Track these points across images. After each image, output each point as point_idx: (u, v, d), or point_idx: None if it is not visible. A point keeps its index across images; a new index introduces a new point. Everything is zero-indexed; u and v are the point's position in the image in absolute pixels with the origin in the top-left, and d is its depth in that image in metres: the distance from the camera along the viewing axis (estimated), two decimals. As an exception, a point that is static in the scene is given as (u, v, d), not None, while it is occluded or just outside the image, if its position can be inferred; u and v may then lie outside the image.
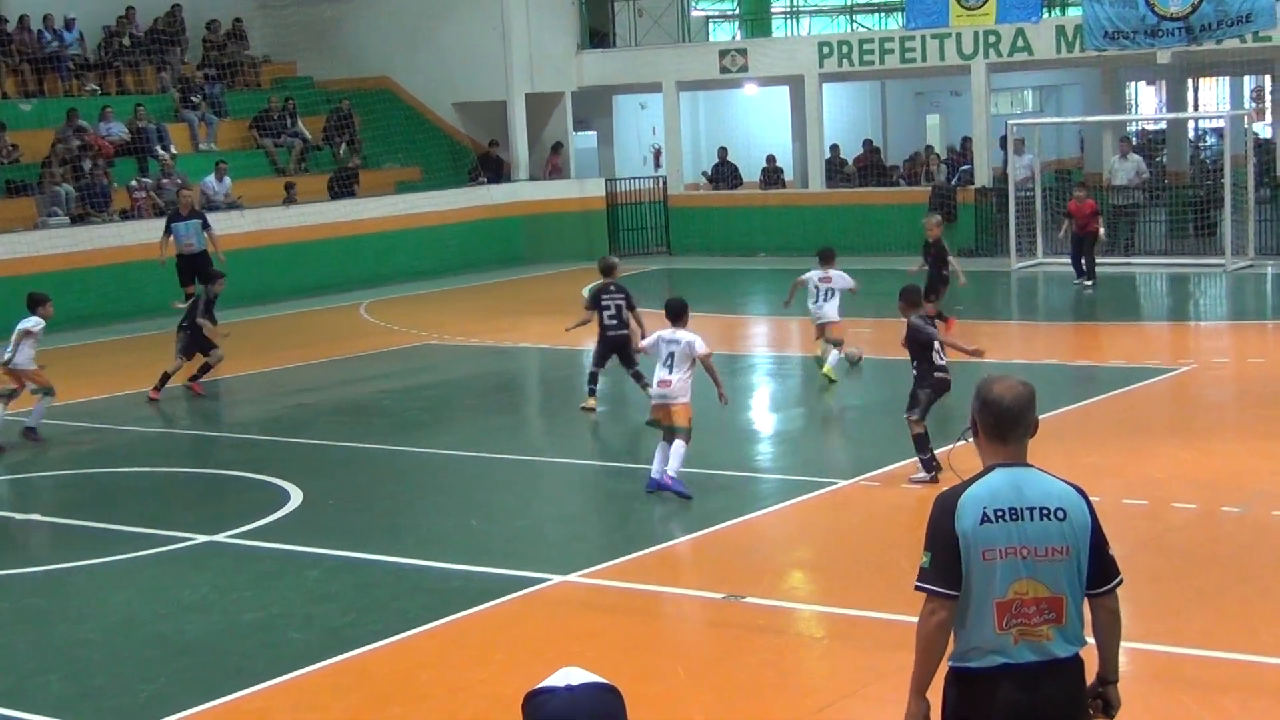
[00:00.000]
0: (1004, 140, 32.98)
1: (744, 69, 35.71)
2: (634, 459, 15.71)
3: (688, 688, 9.23)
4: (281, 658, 10.08)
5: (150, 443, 17.81)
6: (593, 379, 18.14)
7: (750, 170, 37.96)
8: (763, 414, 18.48)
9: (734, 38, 40.28)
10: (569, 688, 3.70)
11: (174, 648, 10.47)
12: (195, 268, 25.24)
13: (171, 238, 26.16)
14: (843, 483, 14.10)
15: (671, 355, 13.76)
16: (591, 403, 17.96)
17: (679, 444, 13.63)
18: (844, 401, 18.69)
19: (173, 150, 31.53)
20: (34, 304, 17.88)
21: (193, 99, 33.69)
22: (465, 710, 9.13)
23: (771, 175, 37.12)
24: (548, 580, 11.49)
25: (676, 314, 14.13)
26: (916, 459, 13.83)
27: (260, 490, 14.79)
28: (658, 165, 40.03)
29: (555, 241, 35.37)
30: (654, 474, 13.78)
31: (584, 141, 39.85)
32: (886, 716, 8.32)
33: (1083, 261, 27.31)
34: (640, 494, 14.25)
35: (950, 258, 21.56)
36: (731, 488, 14.34)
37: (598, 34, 37.92)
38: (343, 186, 33.53)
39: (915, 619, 5.70)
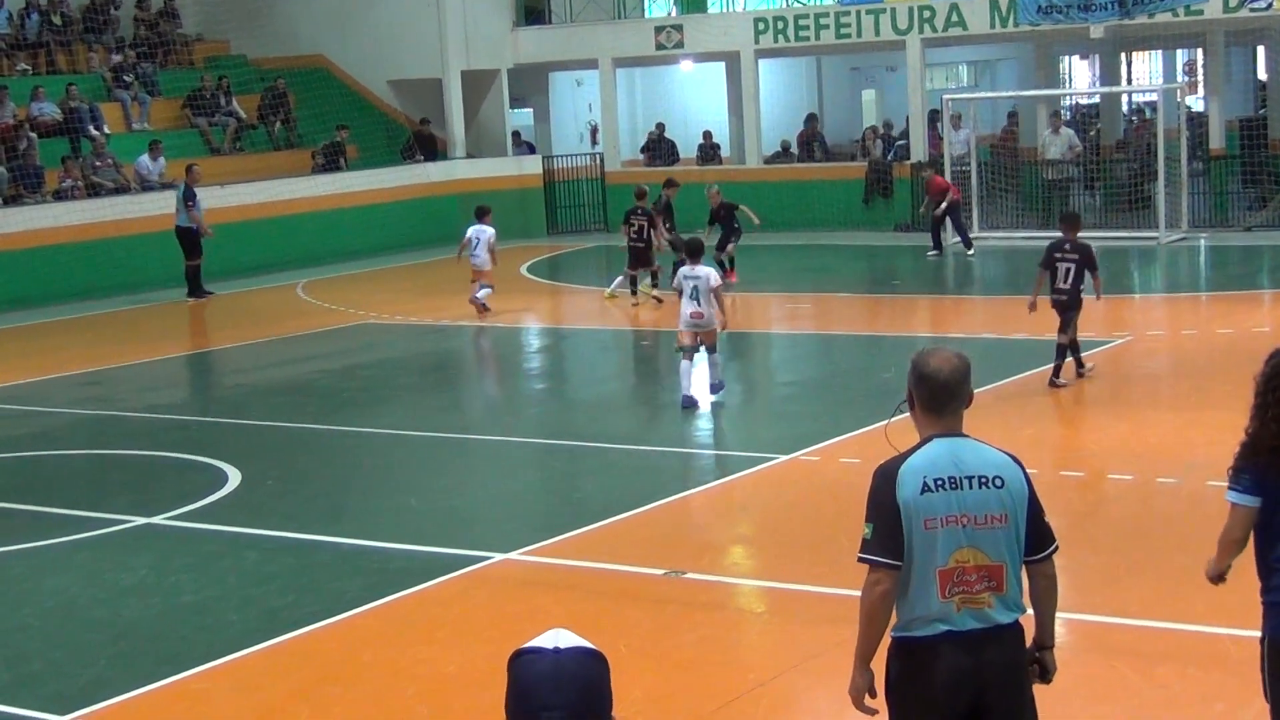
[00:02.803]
0: (933, 115, 33.14)
1: (680, 45, 35.66)
2: (573, 436, 15.71)
3: (629, 664, 9.23)
4: (220, 640, 10.02)
5: (86, 425, 17.66)
6: (632, 280, 24.48)
7: (687, 146, 37.93)
8: (701, 390, 18.49)
9: (670, 14, 40.18)
10: (556, 650, 3.70)
11: (112, 631, 10.40)
12: (192, 239, 27.71)
13: (190, 208, 27.45)
14: (782, 458, 14.12)
15: (695, 289, 16.18)
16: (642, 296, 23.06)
17: (714, 357, 16.43)
18: (781, 377, 18.73)
19: (106, 130, 31.24)
20: (480, 214, 24.31)
21: (125, 78, 33.38)
22: (407, 689, 9.11)
23: (708, 151, 37.09)
24: (488, 559, 11.48)
25: (696, 253, 16.85)
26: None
27: (198, 472, 14.70)
28: (594, 142, 39.95)
29: (492, 219, 35.20)
30: (686, 392, 16.21)
31: (520, 119, 39.73)
32: (827, 690, 8.36)
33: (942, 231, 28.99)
34: (580, 471, 14.33)
35: (740, 208, 26.27)
36: (670, 464, 14.36)
37: (533, 11, 37.77)
38: (329, 160, 33.68)
39: (855, 593, 5.73)
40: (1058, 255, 16.36)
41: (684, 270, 16.49)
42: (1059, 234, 16.84)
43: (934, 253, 28.72)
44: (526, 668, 3.68)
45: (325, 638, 10.08)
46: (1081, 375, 16.59)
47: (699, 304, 16.17)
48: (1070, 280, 16.28)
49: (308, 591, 11.02)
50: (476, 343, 22.54)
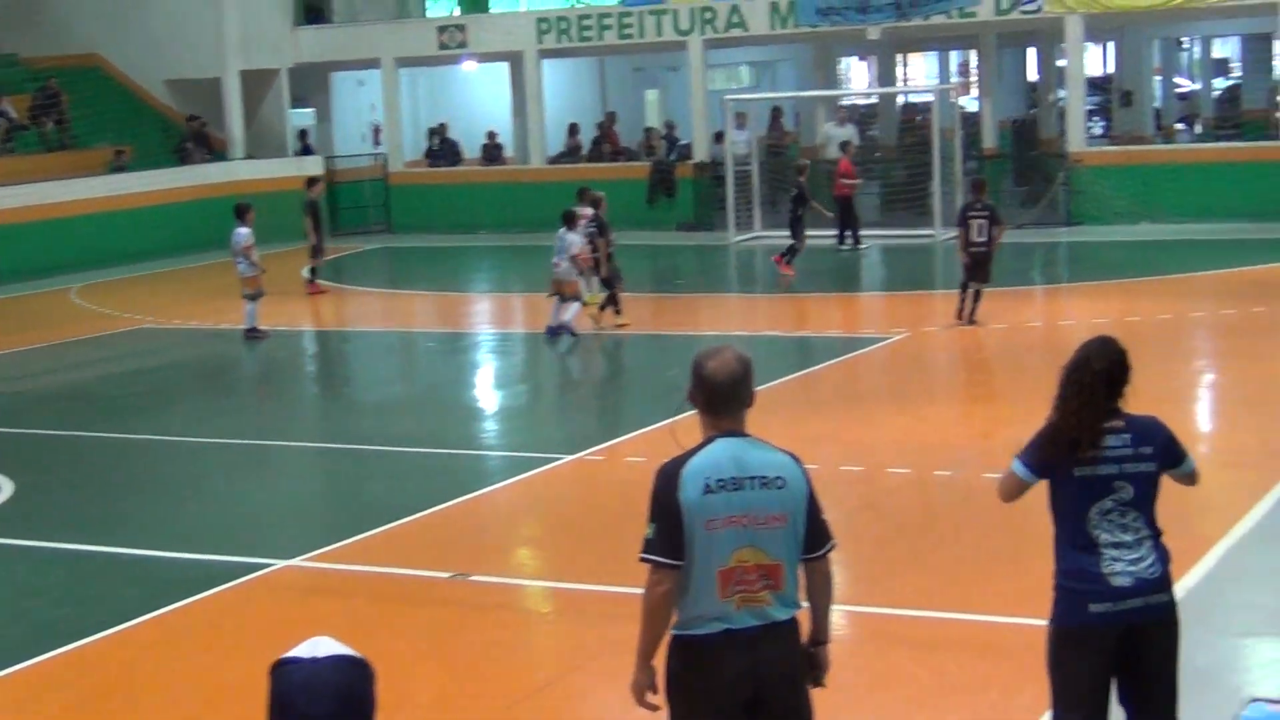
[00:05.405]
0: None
1: (463, 45, 35.53)
2: (358, 440, 15.57)
3: (414, 668, 9.19)
4: (-8, 654, 9.76)
5: None
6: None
7: (472, 147, 37.77)
8: (486, 391, 18.47)
9: (453, 13, 40.02)
10: (314, 659, 3.66)
11: (-123, 649, 10.06)
12: None
13: None
14: (566, 458, 14.16)
15: (558, 248, 19.97)
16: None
17: (574, 305, 19.96)
18: (566, 376, 18.78)
19: None
20: (240, 213, 21.64)
21: (-113, 77, 32.33)
22: (189, 699, 8.96)
23: (492, 152, 36.99)
24: (270, 565, 11.33)
25: (570, 220, 20.21)
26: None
27: (-32, 482, 14.29)
28: (377, 143, 39.63)
29: (273, 221, 34.66)
30: (550, 324, 19.95)
31: (302, 119, 39.25)
32: (612, 688, 8.39)
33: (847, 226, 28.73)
34: (364, 475, 14.23)
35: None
36: (456, 466, 14.32)
37: (313, 9, 37.35)
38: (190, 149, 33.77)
39: (640, 591, 5.76)
40: (971, 214, 19.29)
41: (560, 233, 20.10)
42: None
43: (862, 247, 28.65)
44: (284, 678, 3.65)
45: (104, 650, 9.86)
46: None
47: (558, 259, 19.87)
48: (984, 234, 19.15)
49: (84, 603, 10.78)
50: (258, 347, 22.19)
